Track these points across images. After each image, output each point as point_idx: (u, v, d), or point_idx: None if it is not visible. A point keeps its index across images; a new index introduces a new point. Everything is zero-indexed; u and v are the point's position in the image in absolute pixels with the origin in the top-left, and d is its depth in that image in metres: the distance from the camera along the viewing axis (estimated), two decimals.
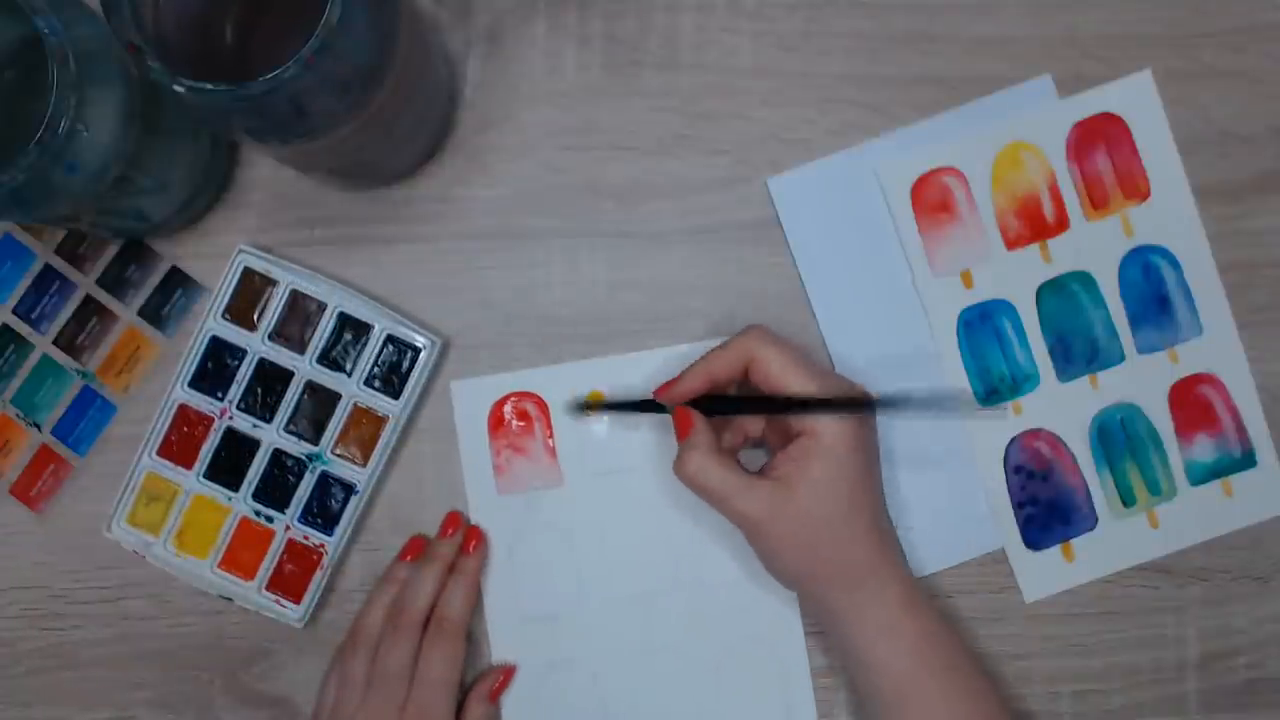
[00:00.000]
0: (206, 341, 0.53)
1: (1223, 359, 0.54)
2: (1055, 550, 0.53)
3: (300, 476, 0.53)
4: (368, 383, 0.53)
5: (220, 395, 0.53)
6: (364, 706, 0.49)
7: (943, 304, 0.54)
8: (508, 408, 0.54)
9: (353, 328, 0.53)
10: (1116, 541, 0.53)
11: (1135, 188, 0.54)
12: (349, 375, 0.53)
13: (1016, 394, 0.54)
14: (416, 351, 0.53)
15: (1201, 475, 0.54)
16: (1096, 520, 0.53)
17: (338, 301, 0.53)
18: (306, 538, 0.53)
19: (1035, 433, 0.54)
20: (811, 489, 0.45)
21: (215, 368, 0.53)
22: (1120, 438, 0.54)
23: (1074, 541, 0.53)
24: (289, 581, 0.53)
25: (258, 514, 0.53)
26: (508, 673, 0.53)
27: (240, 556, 0.53)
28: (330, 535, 0.53)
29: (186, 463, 0.53)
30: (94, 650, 0.54)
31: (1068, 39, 0.54)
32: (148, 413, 0.53)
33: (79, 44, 0.39)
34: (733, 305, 0.54)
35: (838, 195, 0.54)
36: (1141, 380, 0.54)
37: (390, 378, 0.53)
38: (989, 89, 0.54)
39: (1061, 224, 0.54)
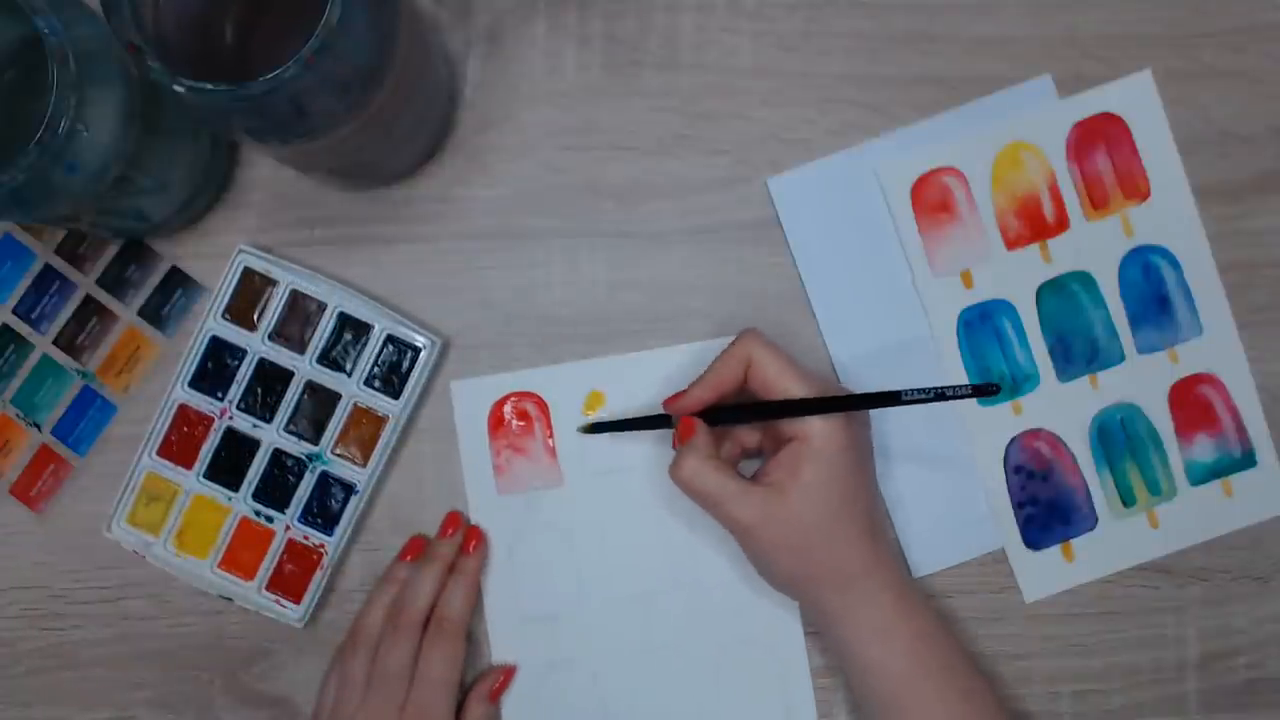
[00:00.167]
0: (206, 341, 0.53)
1: (1223, 359, 0.54)
2: (1055, 550, 0.53)
3: (300, 476, 0.53)
4: (368, 383, 0.53)
5: (220, 395, 0.53)
6: (364, 706, 0.49)
7: (943, 304, 0.54)
8: (508, 408, 0.54)
9: (353, 328, 0.53)
10: (1116, 541, 0.53)
11: (1135, 188, 0.54)
12: (349, 375, 0.53)
13: (1016, 394, 0.54)
14: (416, 351, 0.53)
15: (1201, 475, 0.54)
16: (1096, 520, 0.53)
17: (338, 301, 0.53)
18: (306, 538, 0.53)
19: (1035, 433, 0.54)
20: (803, 493, 0.45)
21: (215, 368, 0.53)
22: (1120, 438, 0.54)
23: (1074, 541, 0.53)
24: (289, 581, 0.53)
25: (258, 514, 0.53)
26: (508, 673, 0.53)
27: (240, 556, 0.53)
28: (330, 535, 0.53)
29: (186, 463, 0.53)
30: (94, 650, 0.54)
31: (1068, 39, 0.54)
32: (148, 413, 0.53)
33: (79, 44, 0.39)
34: (733, 305, 0.54)
35: (838, 195, 0.54)
36: (1141, 380, 0.54)
37: (390, 378, 0.53)
38: (989, 89, 0.54)
39: (1061, 224, 0.54)
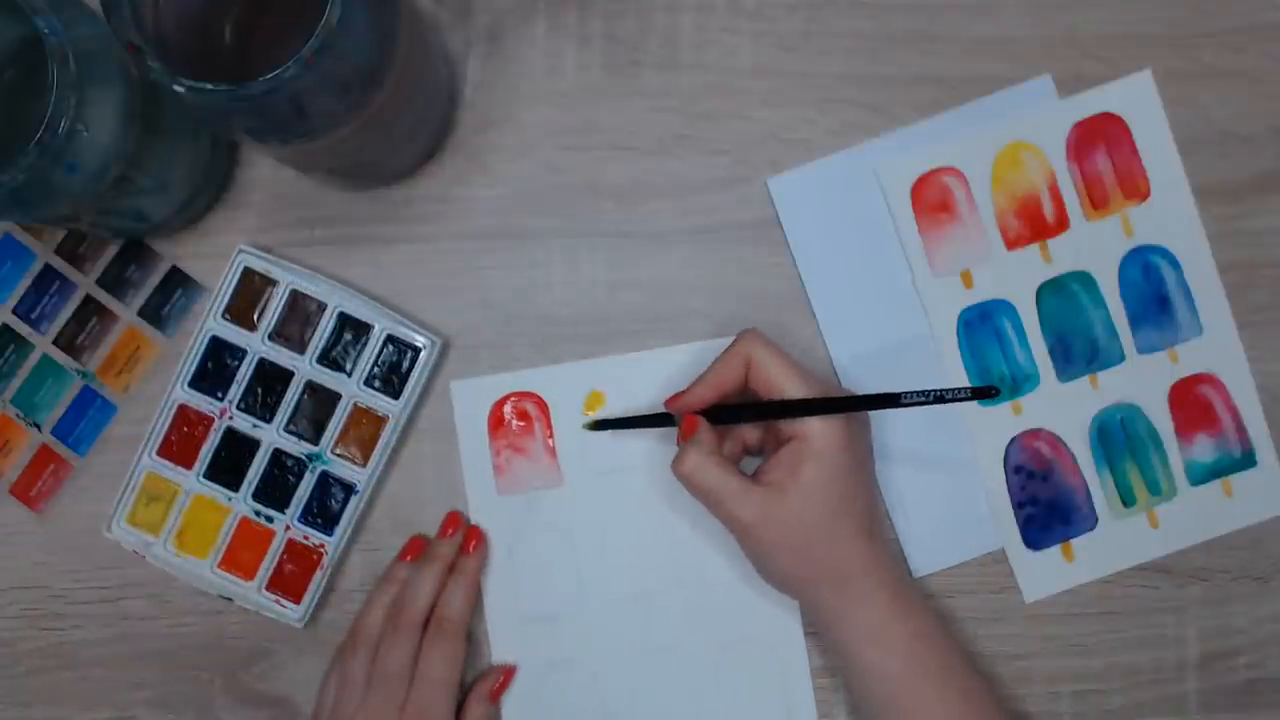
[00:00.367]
0: (206, 341, 0.53)
1: (1223, 359, 0.54)
2: (1055, 550, 0.53)
3: (300, 476, 0.53)
4: (368, 383, 0.53)
5: (220, 395, 0.53)
6: (364, 706, 0.49)
7: (943, 304, 0.54)
8: (508, 408, 0.54)
9: (353, 328, 0.53)
10: (1116, 541, 0.53)
11: (1135, 188, 0.54)
12: (349, 375, 0.53)
13: (1016, 394, 0.54)
14: (416, 351, 0.53)
15: (1201, 475, 0.54)
16: (1096, 520, 0.53)
17: (338, 301, 0.53)
18: (306, 538, 0.53)
19: (1035, 433, 0.54)
20: (802, 493, 0.45)
21: (215, 368, 0.53)
22: (1120, 438, 0.54)
23: (1074, 541, 0.53)
24: (289, 581, 0.53)
25: (258, 514, 0.53)
26: (508, 673, 0.53)
27: (240, 556, 0.53)
28: (330, 535, 0.53)
29: (186, 463, 0.53)
30: (94, 650, 0.54)
31: (1068, 39, 0.54)
32: (148, 413, 0.53)
33: (79, 44, 0.39)
34: (733, 305, 0.54)
35: (838, 195, 0.54)
36: (1141, 380, 0.54)
37: (390, 378, 0.53)
38: (989, 89, 0.54)
39: (1061, 224, 0.54)
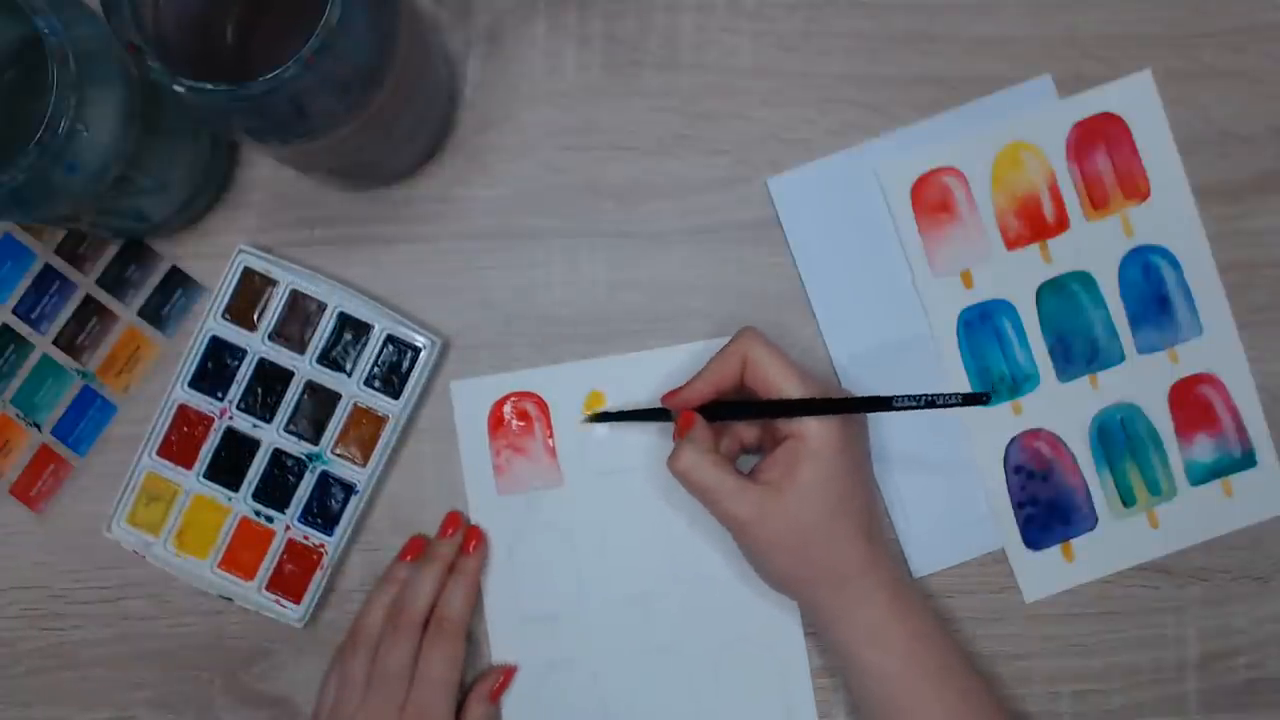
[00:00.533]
0: (206, 341, 0.53)
1: (1223, 359, 0.54)
2: (1055, 550, 0.53)
3: (300, 476, 0.53)
4: (368, 383, 0.53)
5: (220, 395, 0.53)
6: (364, 706, 0.49)
7: (943, 304, 0.54)
8: (508, 408, 0.54)
9: (353, 328, 0.53)
10: (1116, 541, 0.53)
11: (1135, 188, 0.54)
12: (349, 375, 0.53)
13: (1016, 394, 0.54)
14: (416, 351, 0.53)
15: (1201, 475, 0.54)
16: (1096, 520, 0.53)
17: (338, 301, 0.53)
18: (306, 538, 0.53)
19: (1035, 433, 0.54)
20: (799, 493, 0.45)
21: (215, 368, 0.53)
22: (1120, 438, 0.54)
23: (1074, 541, 0.53)
24: (289, 581, 0.53)
25: (258, 514, 0.53)
26: (508, 673, 0.53)
27: (240, 556, 0.53)
28: (330, 535, 0.53)
29: (186, 463, 0.53)
30: (94, 650, 0.54)
31: (1068, 39, 0.54)
32: (148, 413, 0.53)
33: (79, 44, 0.39)
34: (733, 305, 0.54)
35: (838, 195, 0.54)
36: (1141, 380, 0.54)
37: (390, 378, 0.53)
38: (989, 89, 0.54)
39: (1061, 224, 0.54)
